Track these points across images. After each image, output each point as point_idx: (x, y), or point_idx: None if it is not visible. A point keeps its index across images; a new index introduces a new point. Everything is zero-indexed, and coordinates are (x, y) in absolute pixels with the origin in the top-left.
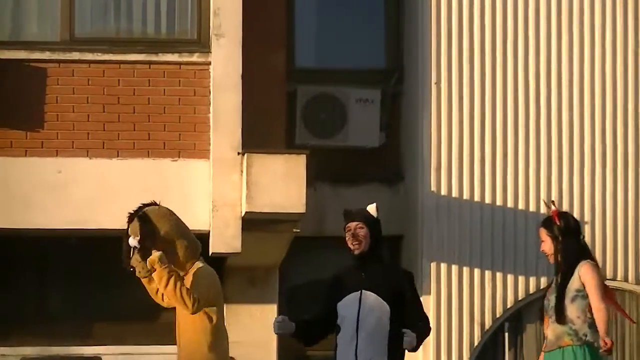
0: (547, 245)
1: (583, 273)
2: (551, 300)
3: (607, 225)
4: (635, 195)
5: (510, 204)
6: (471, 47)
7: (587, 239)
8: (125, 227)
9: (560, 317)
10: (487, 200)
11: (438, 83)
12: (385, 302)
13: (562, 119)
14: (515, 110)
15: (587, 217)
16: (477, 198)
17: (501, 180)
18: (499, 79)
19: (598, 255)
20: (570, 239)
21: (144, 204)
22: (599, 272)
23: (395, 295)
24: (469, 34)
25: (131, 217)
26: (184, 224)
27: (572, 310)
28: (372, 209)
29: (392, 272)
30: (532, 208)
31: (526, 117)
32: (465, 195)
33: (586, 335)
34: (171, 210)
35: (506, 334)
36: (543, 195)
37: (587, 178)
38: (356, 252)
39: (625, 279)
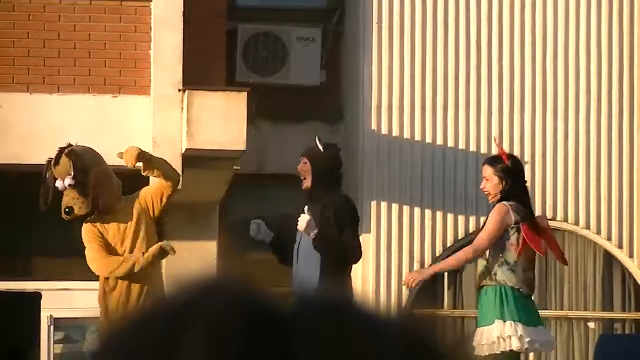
0: (491, 185)
1: (491, 212)
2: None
3: (547, 166)
4: (575, 136)
5: (450, 143)
6: None
7: (528, 179)
8: (45, 170)
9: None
10: (428, 139)
11: (379, 22)
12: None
13: (502, 60)
14: (456, 51)
15: (527, 157)
16: (417, 137)
17: (442, 120)
18: (441, 19)
19: (538, 195)
20: (515, 181)
21: (62, 147)
22: (506, 215)
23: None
24: None
25: (57, 158)
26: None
27: (489, 249)
28: (317, 142)
29: (332, 201)
30: (472, 148)
31: (467, 58)
32: (406, 135)
33: (496, 274)
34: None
35: (445, 273)
36: (483, 136)
37: (527, 118)
38: (303, 187)
39: (565, 219)
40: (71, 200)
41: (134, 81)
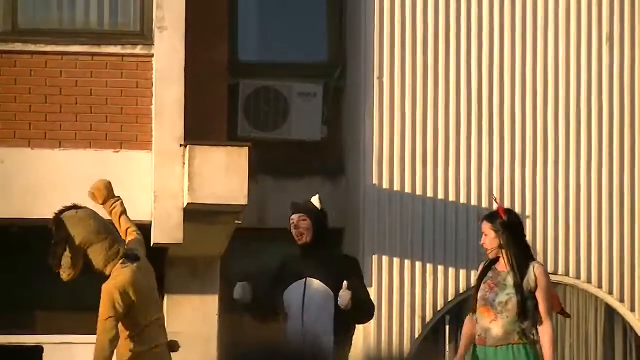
0: (489, 240)
1: (539, 275)
2: (500, 295)
3: (549, 219)
4: (577, 189)
5: (452, 197)
6: (414, 41)
7: (529, 232)
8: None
9: (522, 314)
10: (429, 194)
11: (380, 78)
12: (329, 288)
13: (503, 113)
14: (457, 106)
15: (528, 211)
16: (419, 192)
17: (443, 174)
18: (442, 74)
19: (539, 249)
20: (515, 235)
21: (64, 208)
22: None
23: (340, 282)
24: (412, 28)
25: (52, 222)
26: (106, 223)
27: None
28: (315, 200)
29: (336, 260)
30: (473, 202)
31: (468, 111)
32: (407, 189)
33: (534, 335)
34: (92, 212)
35: (447, 327)
36: (484, 189)
37: (528, 172)
38: (300, 243)
39: (566, 273)
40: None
41: (136, 136)
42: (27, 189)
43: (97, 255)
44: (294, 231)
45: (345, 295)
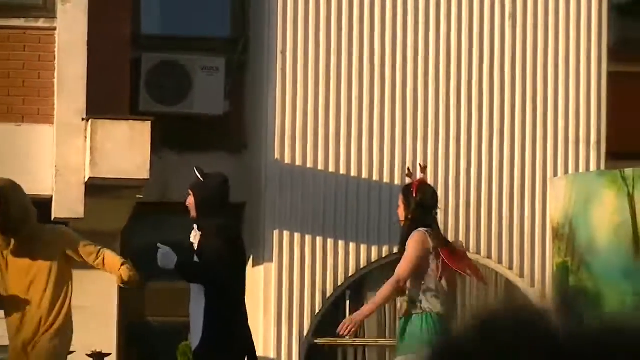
0: (400, 211)
1: (409, 240)
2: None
3: (450, 196)
4: (478, 166)
5: (353, 173)
6: (317, 15)
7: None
8: None
9: None
10: (331, 169)
11: (284, 52)
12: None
13: (406, 88)
14: (360, 81)
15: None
16: (320, 167)
17: (345, 150)
18: (345, 48)
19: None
20: (420, 212)
21: None
22: (424, 240)
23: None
24: (315, 2)
25: None
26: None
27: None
28: (196, 171)
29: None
30: (375, 178)
31: (371, 87)
32: (309, 165)
33: (421, 302)
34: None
35: (347, 302)
36: (386, 166)
37: (430, 149)
38: (191, 216)
39: (467, 249)
40: None
41: (38, 110)
42: None
43: (33, 216)
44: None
45: (159, 254)
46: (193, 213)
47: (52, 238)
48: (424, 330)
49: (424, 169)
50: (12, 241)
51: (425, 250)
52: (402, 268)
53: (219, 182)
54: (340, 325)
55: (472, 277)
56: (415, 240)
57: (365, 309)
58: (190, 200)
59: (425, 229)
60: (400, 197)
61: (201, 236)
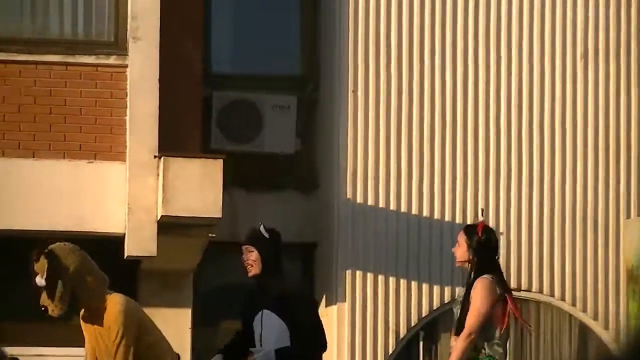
0: (461, 251)
1: (475, 288)
2: (455, 312)
3: (522, 237)
4: (551, 207)
5: (425, 213)
6: (388, 55)
7: (503, 248)
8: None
9: (459, 330)
10: (403, 209)
11: (355, 91)
12: (283, 322)
13: (478, 129)
14: (431, 120)
15: (502, 228)
16: (392, 207)
17: (417, 189)
18: (416, 87)
19: (513, 266)
20: (485, 254)
21: (49, 242)
22: (491, 289)
23: (291, 317)
24: (386, 41)
25: (38, 255)
26: (90, 259)
27: None
28: (261, 229)
29: (289, 294)
30: (447, 218)
31: (442, 126)
32: (381, 204)
33: (484, 349)
34: (77, 247)
35: (421, 343)
36: (458, 205)
37: (503, 189)
38: (249, 275)
39: (540, 290)
40: (45, 300)
41: (110, 147)
42: (0, 199)
43: (90, 286)
44: (244, 262)
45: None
46: (256, 271)
47: (106, 316)
48: None
49: (483, 213)
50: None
51: (493, 299)
52: (473, 320)
53: (279, 239)
54: None
55: (527, 327)
56: (484, 289)
57: None
58: (254, 257)
59: (490, 275)
60: (463, 237)
61: (274, 298)
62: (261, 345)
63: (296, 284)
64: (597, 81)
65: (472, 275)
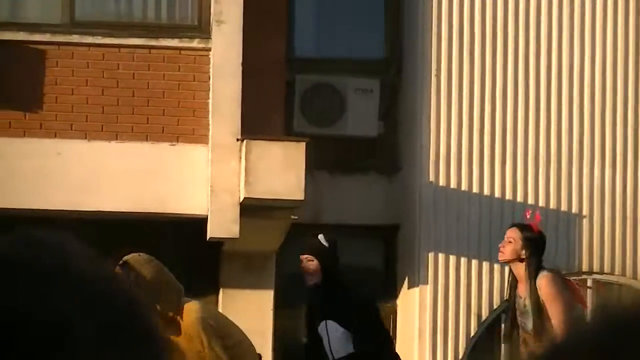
0: (512, 248)
1: (542, 286)
2: (528, 323)
3: (605, 219)
4: (634, 189)
5: (508, 196)
6: (472, 37)
7: (586, 232)
8: None
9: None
10: (486, 192)
11: (438, 74)
12: (346, 329)
13: (561, 113)
14: (515, 103)
15: (585, 210)
16: (475, 190)
17: (500, 172)
18: (499, 70)
19: (596, 248)
20: (539, 253)
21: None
22: (559, 281)
23: (355, 321)
24: (469, 24)
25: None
26: (166, 269)
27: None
28: (321, 239)
29: (350, 301)
30: (530, 201)
31: (526, 109)
32: (464, 187)
33: None
34: (152, 257)
35: (503, 325)
36: (541, 188)
37: (586, 171)
38: (309, 283)
39: (623, 273)
40: None
41: (192, 130)
42: (84, 181)
43: (166, 295)
44: (303, 272)
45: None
46: (315, 279)
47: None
48: None
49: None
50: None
51: (560, 288)
52: (560, 315)
53: (336, 247)
54: None
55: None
56: (549, 282)
57: None
58: (314, 266)
59: (546, 270)
60: (516, 233)
61: (338, 308)
62: (331, 352)
63: (357, 290)
64: None
65: (525, 275)
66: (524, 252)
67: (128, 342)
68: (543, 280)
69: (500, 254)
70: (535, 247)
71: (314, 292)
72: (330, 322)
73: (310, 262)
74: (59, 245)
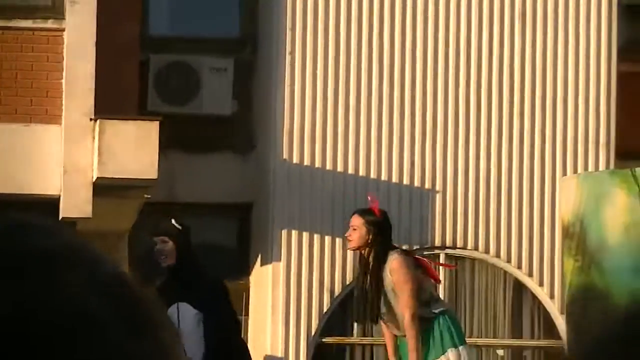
0: (358, 234)
1: (391, 269)
2: (359, 298)
3: (459, 195)
4: (487, 165)
5: (362, 173)
6: (326, 16)
7: (439, 207)
8: None
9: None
10: (339, 169)
11: (292, 53)
12: (199, 311)
13: (415, 90)
14: (368, 81)
15: (438, 186)
16: (328, 167)
17: (353, 149)
18: (354, 48)
19: (449, 224)
20: (385, 235)
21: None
22: (407, 261)
23: (209, 306)
24: (324, 3)
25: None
26: None
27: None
28: (174, 222)
29: (203, 283)
30: (383, 178)
31: (379, 86)
32: (317, 164)
33: (433, 312)
34: None
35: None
36: (395, 166)
37: (439, 148)
38: (165, 264)
39: (475, 248)
40: None
41: (46, 110)
42: None
43: None
44: (157, 254)
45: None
46: (171, 261)
47: None
48: (443, 329)
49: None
50: None
51: (411, 269)
52: (409, 300)
53: (189, 230)
54: None
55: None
56: (401, 266)
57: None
58: (169, 248)
59: (394, 251)
60: (359, 220)
61: (191, 290)
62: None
63: (209, 274)
64: (535, 42)
65: (372, 257)
66: (370, 236)
67: (147, 327)
68: (393, 264)
69: (348, 242)
70: (379, 229)
71: (168, 274)
72: (183, 304)
73: (165, 244)
74: (57, 228)
